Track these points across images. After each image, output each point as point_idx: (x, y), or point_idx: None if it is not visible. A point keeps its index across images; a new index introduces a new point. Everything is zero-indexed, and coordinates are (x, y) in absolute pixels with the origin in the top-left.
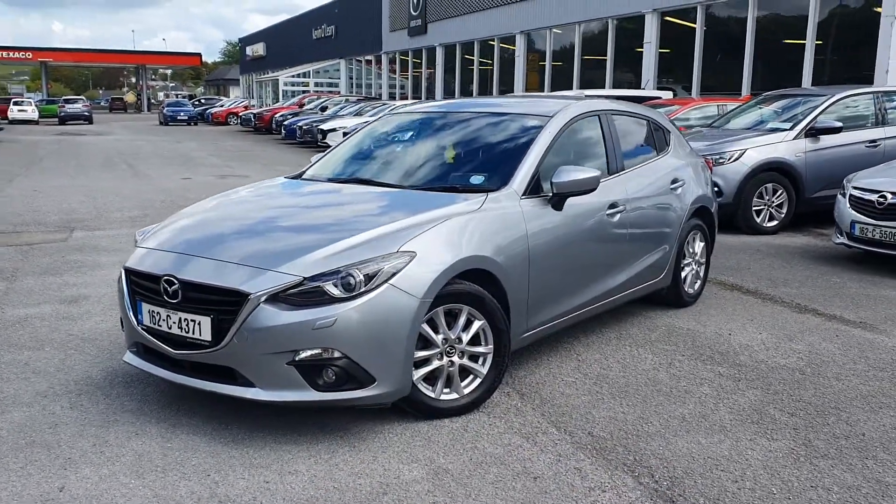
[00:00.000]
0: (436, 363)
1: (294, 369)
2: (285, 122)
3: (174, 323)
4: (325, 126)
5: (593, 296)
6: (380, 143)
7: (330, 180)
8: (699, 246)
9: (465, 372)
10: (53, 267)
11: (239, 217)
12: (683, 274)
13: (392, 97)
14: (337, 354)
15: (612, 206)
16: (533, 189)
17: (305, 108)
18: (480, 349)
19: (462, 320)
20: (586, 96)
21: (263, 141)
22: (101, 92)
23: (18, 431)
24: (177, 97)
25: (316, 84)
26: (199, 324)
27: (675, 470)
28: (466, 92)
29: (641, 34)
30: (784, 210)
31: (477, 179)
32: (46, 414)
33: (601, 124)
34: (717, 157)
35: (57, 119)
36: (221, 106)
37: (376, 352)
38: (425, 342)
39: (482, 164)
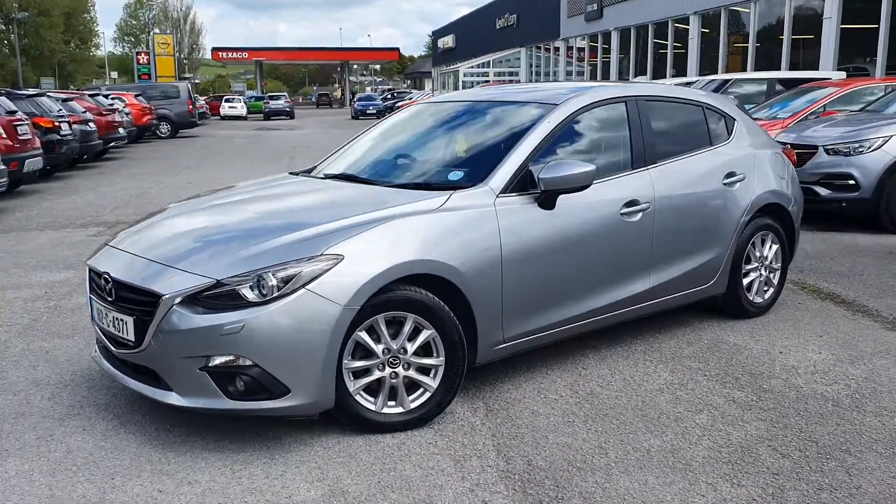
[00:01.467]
0: (377, 374)
1: (207, 375)
2: None
3: (110, 321)
4: None
5: (602, 304)
6: (387, 136)
7: (326, 177)
8: (770, 249)
9: (415, 385)
10: None
11: (202, 215)
12: (746, 281)
13: None
14: (248, 362)
15: (631, 203)
16: (520, 186)
17: None
18: (430, 361)
19: (407, 329)
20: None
21: None
22: (314, 88)
23: None
24: (383, 92)
25: (496, 74)
26: (125, 323)
27: None
28: (641, 76)
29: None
30: None
31: (455, 175)
32: (23, 403)
33: (627, 112)
34: (856, 145)
35: (262, 115)
36: (410, 99)
37: (291, 361)
38: (365, 351)
39: (468, 159)
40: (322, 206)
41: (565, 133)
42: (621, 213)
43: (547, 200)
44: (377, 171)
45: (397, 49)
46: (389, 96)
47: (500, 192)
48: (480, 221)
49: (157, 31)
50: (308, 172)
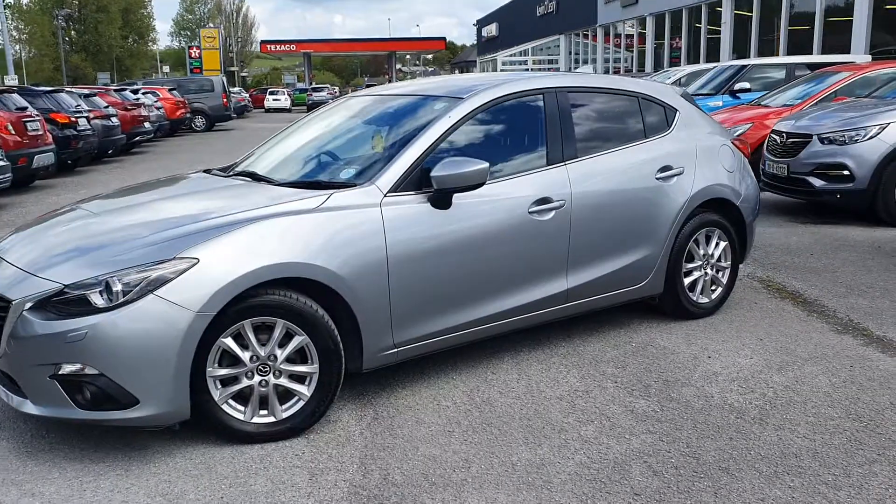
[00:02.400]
0: (245, 382)
1: (56, 384)
2: None
3: None
4: None
5: (511, 307)
6: (304, 132)
7: (232, 175)
8: (717, 247)
9: (291, 393)
10: None
11: (87, 218)
12: (688, 280)
13: (607, 72)
14: (94, 371)
15: (542, 201)
16: (415, 184)
17: None
18: (303, 368)
19: (277, 335)
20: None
21: None
22: (365, 79)
23: None
24: None
25: (534, 62)
26: None
27: None
28: (675, 62)
29: None
30: None
31: (347, 174)
32: None
33: (545, 105)
34: (852, 133)
35: (306, 107)
36: None
37: (138, 370)
38: (233, 358)
39: (365, 156)
40: (200, 208)
41: (471, 128)
42: (530, 212)
43: (441, 199)
44: (278, 169)
45: (444, 39)
46: None
47: (389, 191)
48: (362, 222)
49: (210, 25)
50: (224, 170)
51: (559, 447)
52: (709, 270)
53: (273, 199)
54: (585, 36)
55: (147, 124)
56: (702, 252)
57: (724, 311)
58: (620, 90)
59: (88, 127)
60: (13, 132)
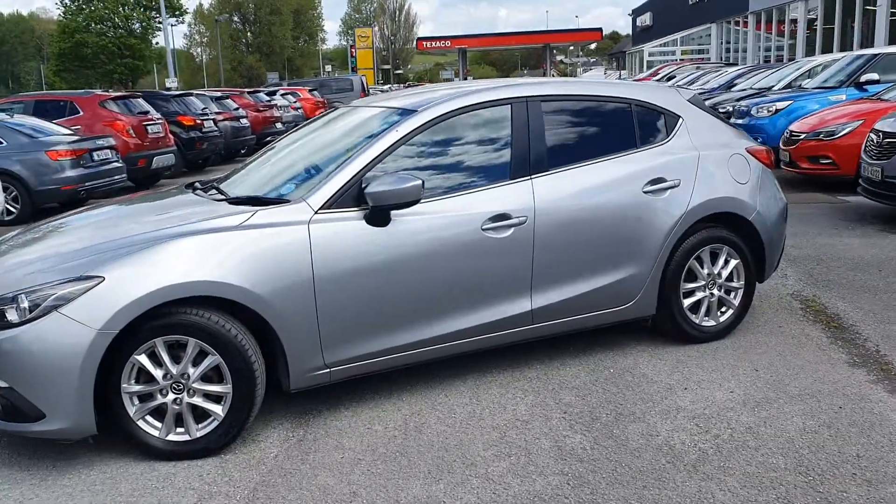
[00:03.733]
0: (160, 399)
1: None
2: None
3: None
4: None
5: (463, 328)
6: (289, 143)
7: (202, 189)
8: (726, 265)
9: (207, 413)
10: None
11: (54, 233)
12: (689, 301)
13: (759, 61)
14: (4, 384)
15: (499, 217)
16: (353, 201)
17: (656, 79)
18: (215, 388)
19: (189, 354)
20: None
21: None
22: (524, 72)
23: None
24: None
25: (682, 53)
26: None
27: None
28: (827, 49)
29: None
30: None
31: (288, 189)
32: None
33: (512, 116)
34: None
35: None
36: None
37: (44, 385)
38: (149, 375)
39: (311, 170)
40: (133, 226)
41: (422, 142)
42: (484, 229)
43: (377, 217)
44: (239, 183)
45: (600, 30)
46: None
47: (322, 208)
48: (287, 240)
49: (361, 24)
50: (204, 183)
51: (456, 484)
52: (715, 291)
53: (203, 216)
54: (736, 24)
55: (279, 125)
56: (706, 271)
57: (735, 335)
58: (609, 97)
59: (215, 128)
60: (133, 135)
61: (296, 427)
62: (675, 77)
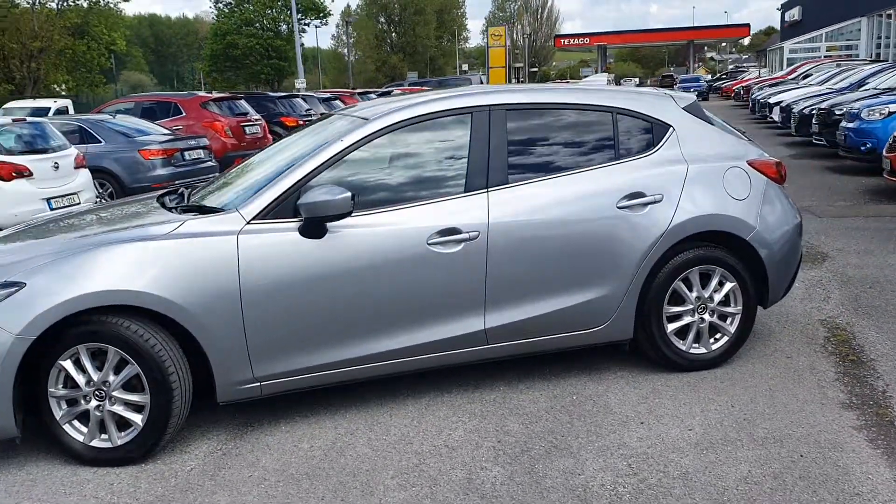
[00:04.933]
0: (84, 406)
1: None
2: (754, 96)
3: None
4: (772, 99)
5: (408, 345)
6: (273, 150)
7: (165, 196)
8: (720, 288)
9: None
10: None
11: (9, 237)
12: (674, 326)
13: None
14: None
15: (448, 232)
16: (289, 212)
17: (791, 77)
18: (133, 397)
19: (110, 362)
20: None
21: (738, 118)
22: (672, 68)
23: None
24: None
25: (829, 49)
26: None
27: None
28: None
29: None
30: None
31: (232, 199)
32: None
33: (472, 127)
34: None
35: None
36: (741, 78)
37: None
38: (75, 382)
39: (262, 180)
40: (74, 232)
41: (371, 153)
42: (430, 244)
43: (311, 228)
44: (210, 192)
45: (747, 25)
46: (725, 76)
47: (255, 219)
48: (214, 250)
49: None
50: (178, 191)
51: None
52: (706, 316)
53: (135, 225)
54: (888, 17)
55: None
56: (694, 294)
57: (732, 364)
58: (587, 105)
59: None
60: (230, 135)
61: (230, 439)
62: (810, 75)
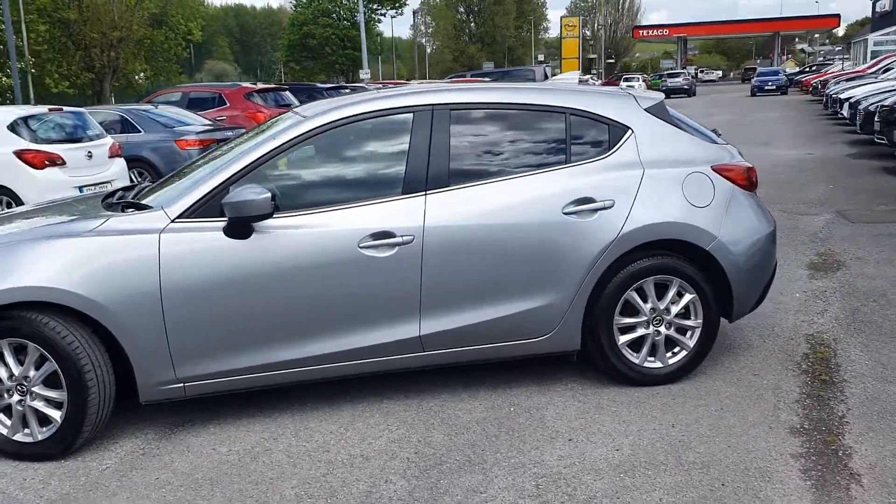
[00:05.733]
0: (6, 400)
1: None
2: (828, 90)
3: None
4: (843, 94)
5: (339, 350)
6: (221, 149)
7: (125, 194)
8: (680, 300)
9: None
10: None
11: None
12: (626, 338)
13: None
14: None
15: (381, 235)
16: (215, 211)
17: (871, 71)
18: (53, 394)
19: (31, 358)
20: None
21: (810, 113)
22: (758, 61)
23: None
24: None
25: None
26: None
27: None
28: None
29: None
30: None
31: (165, 196)
32: None
33: (413, 126)
34: None
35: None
36: (824, 71)
37: None
38: None
39: (197, 178)
40: (4, 228)
41: (306, 152)
42: (362, 247)
43: (235, 228)
44: (156, 190)
45: (837, 16)
46: (809, 69)
47: (179, 217)
48: (135, 249)
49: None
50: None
51: None
52: (663, 329)
53: (62, 221)
54: None
55: None
56: (649, 306)
57: (692, 379)
58: (538, 106)
59: None
60: None
61: (156, 438)
62: (892, 69)
